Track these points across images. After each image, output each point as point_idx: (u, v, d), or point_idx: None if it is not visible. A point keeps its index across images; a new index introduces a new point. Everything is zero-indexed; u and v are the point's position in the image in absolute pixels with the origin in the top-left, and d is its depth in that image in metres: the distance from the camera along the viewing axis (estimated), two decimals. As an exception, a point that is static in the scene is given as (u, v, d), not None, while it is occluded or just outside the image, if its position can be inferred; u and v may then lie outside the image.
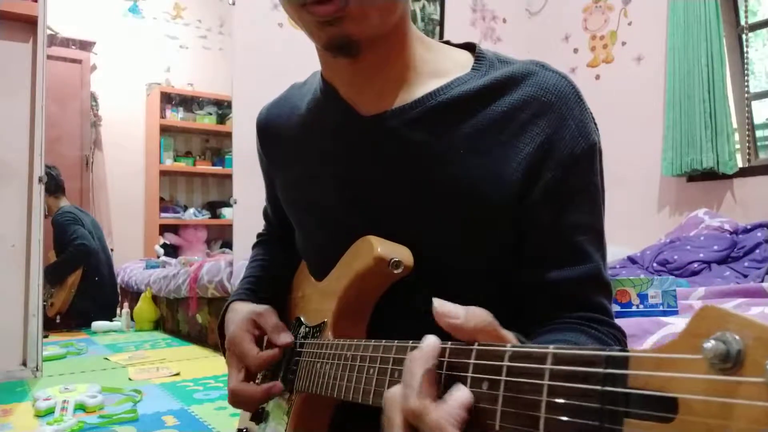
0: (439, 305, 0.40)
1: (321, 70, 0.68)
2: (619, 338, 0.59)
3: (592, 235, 0.59)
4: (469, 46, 0.67)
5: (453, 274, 0.60)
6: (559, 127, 0.58)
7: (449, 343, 0.39)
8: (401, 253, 0.57)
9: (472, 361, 0.36)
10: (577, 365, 0.29)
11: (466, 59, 0.65)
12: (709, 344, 0.23)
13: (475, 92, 0.60)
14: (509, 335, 0.40)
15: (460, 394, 0.35)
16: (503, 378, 0.33)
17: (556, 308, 0.58)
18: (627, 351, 0.28)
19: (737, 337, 0.23)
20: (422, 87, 0.62)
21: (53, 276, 3.76)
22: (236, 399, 0.67)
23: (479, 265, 0.60)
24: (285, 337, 0.66)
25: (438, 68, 0.64)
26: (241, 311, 0.73)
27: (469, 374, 0.36)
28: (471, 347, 0.37)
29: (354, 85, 0.64)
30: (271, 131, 0.75)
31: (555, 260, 0.58)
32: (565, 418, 0.29)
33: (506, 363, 0.34)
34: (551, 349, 0.31)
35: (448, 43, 0.68)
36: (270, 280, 0.81)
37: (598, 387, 0.28)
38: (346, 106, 0.64)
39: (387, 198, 0.62)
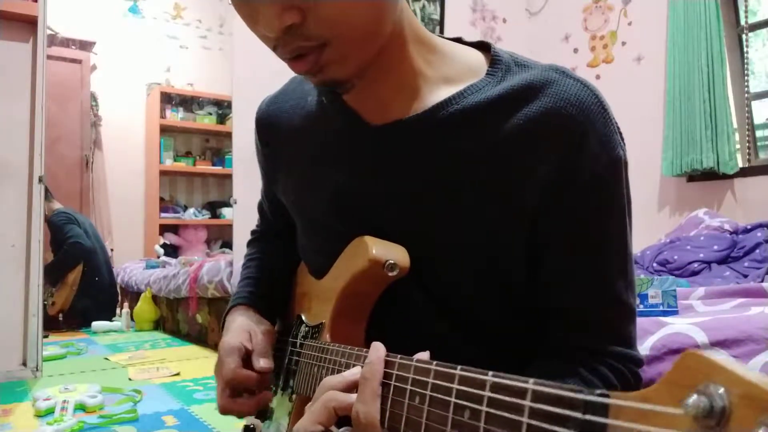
0: None
1: None
2: (627, 377, 0.56)
3: (615, 258, 0.56)
4: (483, 45, 0.62)
5: (451, 286, 0.59)
6: (580, 144, 0.54)
7: (434, 363, 0.39)
8: (396, 255, 0.56)
9: (455, 386, 0.36)
10: (556, 405, 0.28)
11: (480, 62, 0.60)
12: (692, 399, 0.21)
13: (490, 102, 0.56)
14: None
15: None
16: (484, 409, 0.33)
17: (565, 328, 0.56)
18: (608, 396, 0.26)
19: (722, 392, 0.21)
20: (433, 95, 0.58)
21: (51, 275, 3.76)
22: (226, 413, 0.66)
23: (481, 281, 0.58)
24: (264, 363, 0.65)
25: (449, 73, 0.59)
26: (239, 320, 0.71)
27: (452, 399, 0.36)
28: (454, 371, 0.37)
29: (358, 94, 0.59)
30: (272, 128, 0.72)
31: (568, 280, 0.56)
32: None
33: (487, 393, 0.33)
34: (531, 384, 0.31)
35: (459, 39, 0.64)
36: (268, 280, 0.79)
37: None
38: (352, 113, 0.61)
39: (390, 210, 0.59)
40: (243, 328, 0.69)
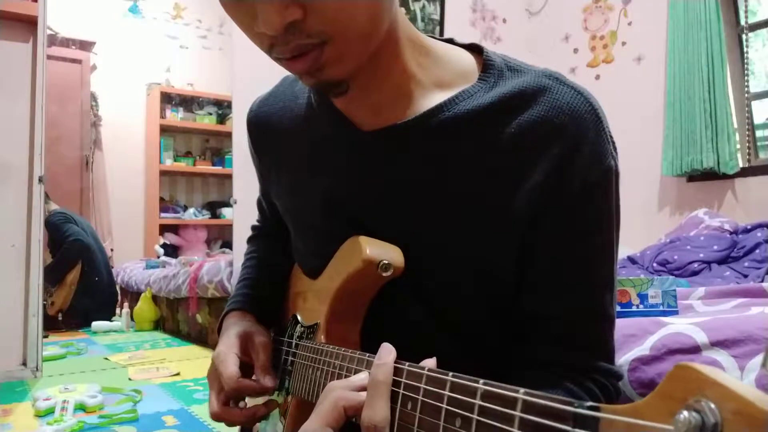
0: None
1: None
2: (611, 392, 0.56)
3: (602, 270, 0.56)
4: (475, 48, 0.61)
5: (444, 293, 0.59)
6: (572, 154, 0.53)
7: (426, 369, 0.39)
8: (391, 254, 0.55)
9: (446, 392, 0.36)
10: (546, 417, 0.28)
11: (472, 66, 0.59)
12: (683, 415, 0.21)
13: (482, 110, 0.55)
14: None
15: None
16: (475, 417, 0.33)
17: (554, 344, 0.56)
18: (598, 409, 0.26)
19: (714, 407, 0.20)
20: (424, 100, 0.57)
21: (52, 275, 3.76)
22: (218, 421, 0.66)
23: (472, 289, 0.58)
24: (269, 381, 0.64)
25: (441, 77, 0.59)
26: (233, 329, 0.70)
27: (444, 405, 0.35)
28: (446, 378, 0.36)
29: (349, 99, 0.57)
30: (263, 130, 0.72)
31: (556, 292, 0.56)
32: None
33: (478, 401, 0.33)
34: (521, 393, 0.30)
35: (452, 41, 0.63)
36: (266, 280, 0.79)
37: None
38: (343, 118, 0.60)
39: (381, 216, 0.59)
40: (238, 338, 0.68)
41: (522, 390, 0.31)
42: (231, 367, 0.64)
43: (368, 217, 0.60)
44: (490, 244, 0.56)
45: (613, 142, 0.57)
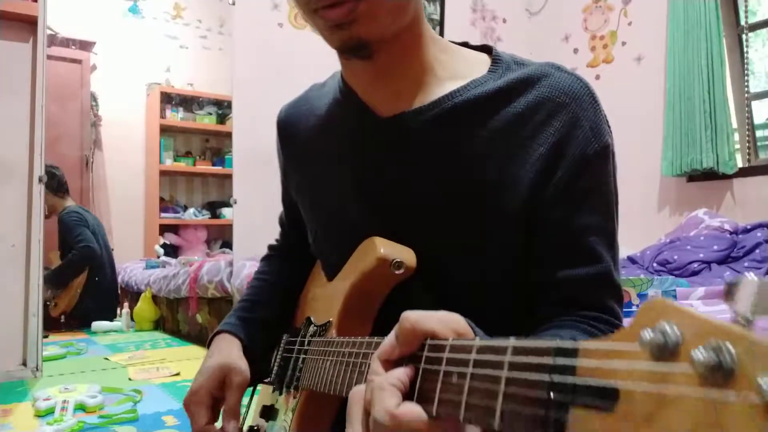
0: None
1: (341, 70, 0.69)
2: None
3: (603, 237, 0.59)
4: (486, 49, 0.67)
5: (463, 277, 0.61)
6: (573, 128, 0.58)
7: (427, 339, 0.40)
8: (404, 255, 0.58)
9: (445, 354, 0.37)
10: (531, 355, 0.30)
11: (483, 61, 0.65)
12: (648, 335, 0.23)
13: (491, 94, 0.61)
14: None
15: (402, 369, 0.38)
16: (470, 370, 0.34)
17: (563, 308, 0.58)
18: (577, 341, 0.27)
19: (676, 329, 0.23)
20: (439, 88, 0.63)
21: (58, 280, 3.74)
22: None
23: (488, 270, 0.60)
24: (231, 428, 0.67)
25: (455, 70, 0.64)
26: (217, 357, 0.72)
27: (443, 367, 0.37)
28: (445, 342, 0.38)
29: (372, 87, 0.64)
30: (290, 131, 0.77)
31: (564, 260, 0.58)
32: (516, 408, 0.29)
33: (473, 356, 0.34)
34: (512, 341, 0.32)
35: (466, 44, 0.69)
36: (272, 304, 0.81)
37: (546, 376, 0.28)
38: (364, 107, 0.65)
39: (402, 199, 0.62)
40: (216, 373, 0.70)
41: (513, 338, 0.32)
42: (202, 410, 0.68)
43: (390, 201, 0.63)
44: (506, 221, 0.59)
45: (609, 124, 0.62)
